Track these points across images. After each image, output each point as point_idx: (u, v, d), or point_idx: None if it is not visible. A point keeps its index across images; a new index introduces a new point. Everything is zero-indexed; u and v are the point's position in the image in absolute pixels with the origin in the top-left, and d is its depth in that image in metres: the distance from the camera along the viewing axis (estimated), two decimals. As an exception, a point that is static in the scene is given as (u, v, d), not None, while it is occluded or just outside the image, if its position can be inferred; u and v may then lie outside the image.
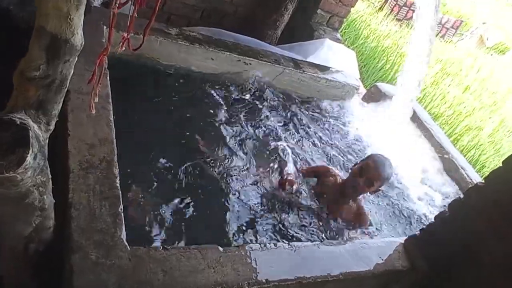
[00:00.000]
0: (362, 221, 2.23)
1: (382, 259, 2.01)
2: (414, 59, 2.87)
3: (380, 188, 2.19)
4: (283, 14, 3.37)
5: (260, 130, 2.59)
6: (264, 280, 1.60)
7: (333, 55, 3.33)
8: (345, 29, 5.92)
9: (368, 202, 2.56)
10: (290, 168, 2.20)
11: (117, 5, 1.03)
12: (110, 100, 1.94)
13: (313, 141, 2.78)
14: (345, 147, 2.93)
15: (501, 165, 1.82)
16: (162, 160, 2.05)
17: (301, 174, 2.31)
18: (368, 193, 2.18)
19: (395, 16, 7.93)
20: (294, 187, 2.08)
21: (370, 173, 2.09)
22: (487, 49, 9.08)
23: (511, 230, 1.75)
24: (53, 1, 0.96)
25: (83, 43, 1.08)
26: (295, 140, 2.68)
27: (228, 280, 1.53)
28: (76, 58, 1.11)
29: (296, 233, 2.04)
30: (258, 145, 2.46)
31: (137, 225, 1.69)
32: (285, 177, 2.09)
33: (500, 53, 9.40)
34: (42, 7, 0.98)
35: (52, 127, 1.16)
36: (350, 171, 2.23)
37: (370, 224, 2.27)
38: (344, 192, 2.20)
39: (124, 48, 1.22)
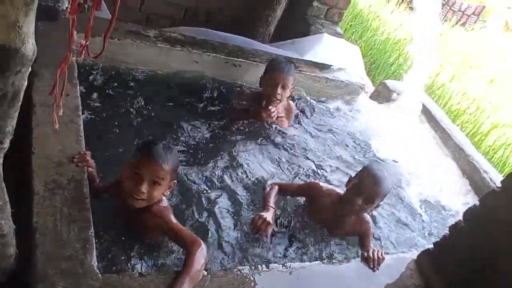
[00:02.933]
0: (365, 230, 2.21)
1: (392, 278, 2.01)
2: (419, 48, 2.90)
3: (380, 204, 2.17)
4: (276, 9, 3.42)
5: (251, 142, 2.62)
6: (255, 307, 1.62)
7: (333, 51, 3.37)
8: (351, 21, 5.97)
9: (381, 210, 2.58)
10: (271, 200, 2.16)
11: (69, 10, 1.06)
12: (80, 113, 1.99)
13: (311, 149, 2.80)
14: (351, 154, 2.94)
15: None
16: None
17: (287, 196, 2.32)
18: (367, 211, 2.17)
19: (408, 4, 7.97)
20: (269, 230, 2.02)
21: (369, 190, 2.06)
22: (514, 37, 9.09)
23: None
24: (-1, 9, 1.00)
25: (36, 51, 1.12)
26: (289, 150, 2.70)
27: (214, 308, 1.54)
28: (30, 69, 1.15)
29: (293, 257, 2.05)
30: (247, 161, 2.48)
31: (110, 249, 1.71)
32: (258, 218, 2.02)
33: (529, 40, 9.39)
34: (-13, 15, 1.02)
35: (6, 145, 1.20)
36: (345, 187, 2.20)
37: (375, 237, 2.28)
38: (342, 212, 2.18)
39: (82, 56, 1.25)
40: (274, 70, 2.69)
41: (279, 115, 2.76)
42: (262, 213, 2.05)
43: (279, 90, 2.66)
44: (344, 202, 2.14)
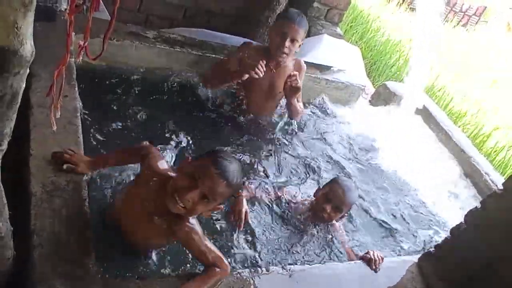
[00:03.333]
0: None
1: (393, 281, 2.02)
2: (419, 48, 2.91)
3: (346, 215, 2.31)
4: (275, 10, 3.42)
5: (248, 145, 2.64)
6: (255, 310, 1.62)
7: (333, 52, 3.38)
8: (351, 22, 5.98)
9: (382, 212, 2.60)
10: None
11: (67, 11, 1.07)
12: (79, 114, 1.99)
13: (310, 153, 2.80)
14: (349, 157, 2.94)
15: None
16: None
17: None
18: (335, 220, 2.27)
19: (408, 5, 7.99)
20: (247, 217, 2.15)
21: (338, 199, 2.20)
22: (516, 37, 9.10)
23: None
24: (-3, 10, 1.00)
25: (34, 53, 1.12)
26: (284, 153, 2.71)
27: (213, 311, 1.55)
28: (28, 70, 1.16)
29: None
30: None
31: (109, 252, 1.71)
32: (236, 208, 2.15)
33: (531, 41, 9.40)
34: (-15, 17, 1.02)
35: (4, 147, 1.20)
36: (313, 197, 2.32)
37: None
38: (312, 220, 2.29)
39: (81, 57, 1.26)
40: (285, 19, 2.52)
41: (292, 73, 2.58)
42: (237, 203, 2.16)
43: (287, 43, 2.48)
44: (315, 209, 2.27)
